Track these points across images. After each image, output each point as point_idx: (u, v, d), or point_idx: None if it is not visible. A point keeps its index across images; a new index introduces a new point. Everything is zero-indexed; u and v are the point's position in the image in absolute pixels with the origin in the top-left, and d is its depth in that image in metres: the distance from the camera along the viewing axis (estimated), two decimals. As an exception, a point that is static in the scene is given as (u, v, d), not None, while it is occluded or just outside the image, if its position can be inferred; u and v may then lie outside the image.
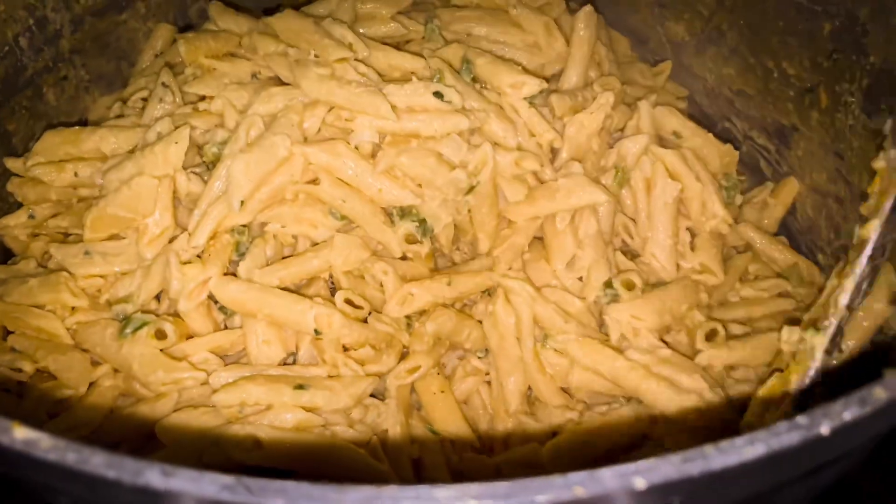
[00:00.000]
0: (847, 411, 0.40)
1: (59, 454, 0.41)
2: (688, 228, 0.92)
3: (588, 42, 1.00)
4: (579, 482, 0.38)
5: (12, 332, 0.85)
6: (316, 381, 0.80)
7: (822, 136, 0.95)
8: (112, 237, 0.88)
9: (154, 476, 0.40)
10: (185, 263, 0.83)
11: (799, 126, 0.98)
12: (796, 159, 1.01)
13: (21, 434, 0.42)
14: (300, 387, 0.78)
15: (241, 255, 0.85)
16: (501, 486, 0.37)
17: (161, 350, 0.81)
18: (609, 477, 0.38)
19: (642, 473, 0.38)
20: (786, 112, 1.00)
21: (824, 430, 0.39)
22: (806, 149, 0.98)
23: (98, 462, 0.41)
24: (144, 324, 0.82)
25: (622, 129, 0.98)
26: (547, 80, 0.95)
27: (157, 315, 0.84)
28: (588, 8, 1.00)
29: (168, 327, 0.82)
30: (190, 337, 0.84)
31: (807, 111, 0.96)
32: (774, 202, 1.02)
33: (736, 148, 1.08)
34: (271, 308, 0.81)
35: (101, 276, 0.87)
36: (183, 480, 0.40)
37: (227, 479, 0.39)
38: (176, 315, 0.84)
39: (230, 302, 0.82)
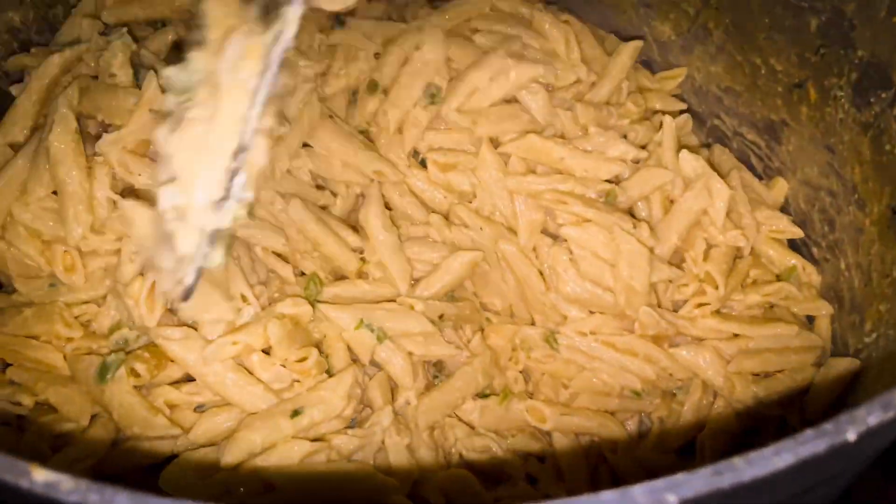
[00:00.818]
0: (871, 416, 0.40)
1: (82, 496, 0.40)
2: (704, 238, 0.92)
3: (626, 68, 1.04)
4: (611, 501, 0.37)
5: (11, 365, 0.83)
6: (303, 398, 0.78)
7: (813, 130, 0.95)
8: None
9: (180, 514, 0.39)
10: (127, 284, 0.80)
11: (789, 121, 0.99)
12: (787, 154, 1.01)
13: (41, 476, 0.41)
14: (296, 413, 0.76)
15: None
16: (535, 508, 0.37)
17: (139, 387, 0.79)
18: (640, 494, 0.38)
19: (673, 489, 0.38)
20: (775, 108, 1.00)
21: (851, 436, 0.39)
22: (796, 144, 0.99)
23: (122, 502, 0.40)
24: (122, 362, 0.79)
25: (645, 146, 0.99)
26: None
27: (128, 352, 0.81)
28: (637, 42, 1.05)
29: (139, 366, 0.79)
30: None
31: (796, 106, 0.97)
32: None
33: (726, 145, 1.09)
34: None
35: (96, 304, 0.85)
36: (209, 517, 0.39)
37: (256, 513, 0.39)
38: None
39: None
